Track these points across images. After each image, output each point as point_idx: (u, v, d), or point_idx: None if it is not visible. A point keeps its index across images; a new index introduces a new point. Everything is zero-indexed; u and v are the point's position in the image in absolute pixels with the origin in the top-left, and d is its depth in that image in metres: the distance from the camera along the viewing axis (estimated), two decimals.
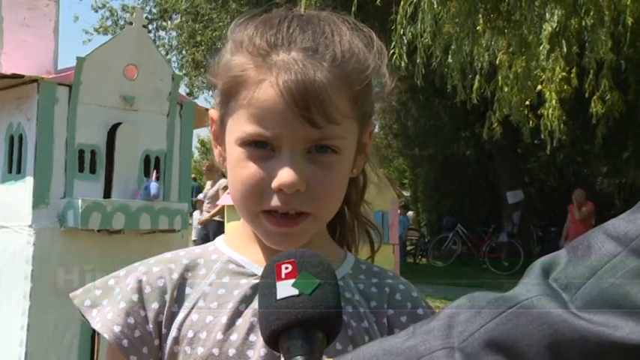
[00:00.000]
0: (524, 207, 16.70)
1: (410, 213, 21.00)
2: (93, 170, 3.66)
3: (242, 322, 1.02)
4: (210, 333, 1.02)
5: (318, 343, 0.81)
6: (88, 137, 3.63)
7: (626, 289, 0.68)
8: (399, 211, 7.96)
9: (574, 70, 8.19)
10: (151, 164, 3.84)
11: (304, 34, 1.00)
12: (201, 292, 1.06)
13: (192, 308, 1.05)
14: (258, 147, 0.99)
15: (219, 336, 1.01)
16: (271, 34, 1.00)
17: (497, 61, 8.30)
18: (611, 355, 0.67)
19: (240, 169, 1.01)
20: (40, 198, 3.50)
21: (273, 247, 1.04)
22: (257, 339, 1.00)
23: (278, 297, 0.82)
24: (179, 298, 1.06)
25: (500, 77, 8.42)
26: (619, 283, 0.68)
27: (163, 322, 1.05)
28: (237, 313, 1.02)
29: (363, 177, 1.17)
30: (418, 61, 8.16)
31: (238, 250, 1.10)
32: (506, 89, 8.27)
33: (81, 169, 3.62)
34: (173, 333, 1.04)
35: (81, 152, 3.61)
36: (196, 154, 37.40)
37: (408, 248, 18.30)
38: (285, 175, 0.97)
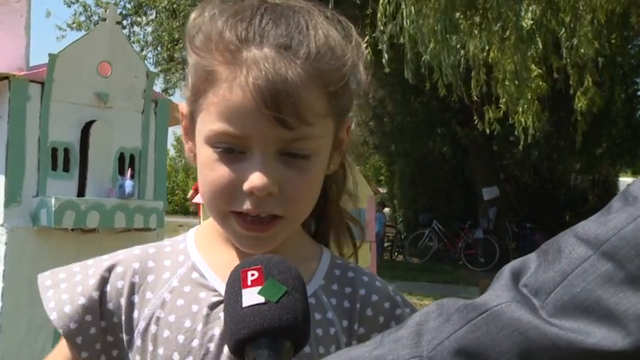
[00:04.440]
0: (499, 203, 16.82)
1: (386, 210, 21.07)
2: (66, 168, 3.61)
3: (197, 345, 0.99)
4: (167, 350, 1.00)
5: (286, 353, 0.79)
6: (62, 135, 3.58)
7: (598, 294, 0.66)
8: (375, 208, 7.96)
9: (553, 66, 8.25)
10: (125, 162, 3.80)
11: (277, 29, 0.95)
12: (161, 299, 1.03)
13: (151, 318, 1.02)
14: (227, 149, 0.95)
15: (176, 356, 0.99)
16: (242, 28, 0.96)
17: (482, 58, 8.33)
18: None
19: (210, 170, 0.97)
20: (12, 197, 3.45)
21: (243, 249, 1.02)
22: None
23: (244, 305, 0.79)
24: (139, 303, 1.04)
25: (488, 73, 8.46)
26: (590, 287, 0.67)
27: (123, 327, 1.03)
28: (192, 334, 0.99)
29: (342, 170, 1.13)
30: (409, 56, 8.16)
31: (207, 250, 1.07)
32: (507, 84, 8.29)
33: (54, 168, 3.57)
34: (137, 342, 1.02)
35: (54, 150, 3.56)
36: (172, 152, 37.24)
37: (385, 245, 18.37)
38: (256, 179, 0.93)
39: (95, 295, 1.04)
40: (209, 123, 0.96)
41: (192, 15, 1.03)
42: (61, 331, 1.04)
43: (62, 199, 3.44)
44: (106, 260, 1.08)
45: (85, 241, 3.62)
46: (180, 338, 0.99)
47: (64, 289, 1.06)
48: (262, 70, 0.92)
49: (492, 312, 0.70)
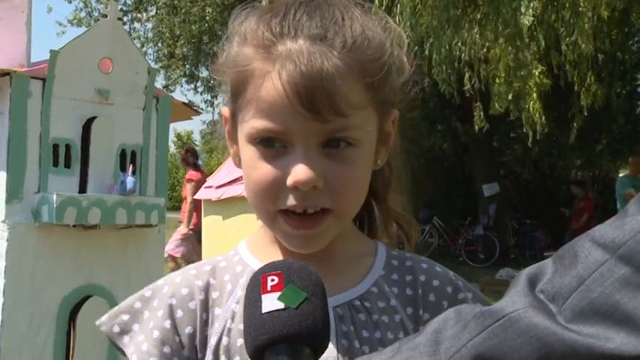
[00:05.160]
0: (499, 200, 16.80)
1: None
2: (68, 165, 3.61)
3: None
4: (243, 356, 0.96)
5: (305, 359, 0.78)
6: (63, 131, 3.57)
7: (616, 298, 0.65)
8: None
9: (553, 63, 8.25)
10: (127, 158, 3.80)
11: (312, 21, 0.94)
12: (230, 311, 1.01)
13: (222, 331, 1.00)
14: (269, 145, 0.94)
15: None
16: (276, 22, 0.95)
17: (481, 54, 8.32)
18: None
19: (253, 169, 0.96)
20: (13, 193, 3.44)
21: (294, 250, 1.00)
22: None
23: (263, 311, 0.78)
24: (210, 320, 1.01)
25: (487, 69, 8.44)
26: (608, 292, 0.66)
27: (198, 347, 1.01)
28: None
29: (388, 168, 1.12)
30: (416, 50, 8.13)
31: (263, 257, 1.04)
32: (498, 81, 8.29)
33: (55, 164, 3.57)
34: (209, 358, 1.00)
35: (55, 146, 3.56)
36: (172, 148, 37.22)
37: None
38: (299, 172, 0.91)
39: (167, 324, 1.01)
40: (249, 121, 0.95)
41: (230, 20, 1.02)
42: None
43: (64, 196, 3.44)
44: (164, 286, 1.06)
45: (87, 238, 3.62)
46: None
47: (139, 330, 1.03)
48: (297, 64, 0.90)
49: (510, 318, 0.70)
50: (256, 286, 0.81)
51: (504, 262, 14.30)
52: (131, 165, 3.77)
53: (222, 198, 5.57)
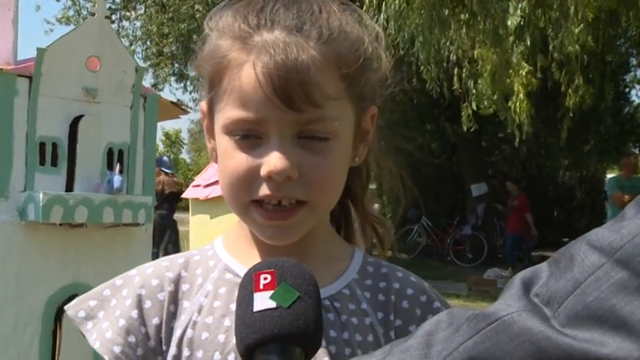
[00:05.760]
0: (488, 200, 16.85)
1: (375, 206, 21.04)
2: (54, 163, 3.59)
3: None
4: (206, 352, 0.97)
5: (296, 359, 0.77)
6: (50, 130, 3.56)
7: (612, 303, 0.64)
8: None
9: (538, 64, 8.28)
10: (114, 157, 3.79)
11: (288, 12, 0.94)
12: (197, 304, 1.00)
13: (188, 324, 0.99)
14: (244, 135, 0.93)
15: (217, 356, 0.96)
16: (253, 15, 0.95)
17: (470, 55, 8.35)
18: None
19: (228, 159, 0.95)
20: None
21: (267, 241, 0.99)
22: None
23: (254, 309, 0.78)
24: (177, 312, 1.01)
25: (475, 69, 8.47)
26: (604, 296, 0.65)
27: (163, 339, 1.00)
28: (233, 331, 0.97)
29: (366, 168, 1.11)
30: (394, 52, 8.13)
31: (236, 253, 1.04)
32: (480, 82, 8.31)
33: (42, 162, 3.55)
34: (172, 350, 0.99)
35: (42, 145, 3.54)
36: (161, 147, 37.12)
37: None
38: (273, 161, 0.91)
39: (134, 314, 1.01)
40: (225, 111, 0.95)
41: (207, 18, 1.02)
42: (106, 357, 1.00)
43: (50, 194, 3.42)
44: (136, 276, 1.05)
45: (73, 236, 3.60)
46: (221, 337, 0.97)
47: (103, 317, 1.03)
48: (272, 54, 0.90)
49: (503, 321, 0.68)
50: (248, 284, 0.80)
51: (492, 262, 14.35)
52: (118, 164, 3.76)
53: (210, 197, 5.56)
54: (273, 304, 0.77)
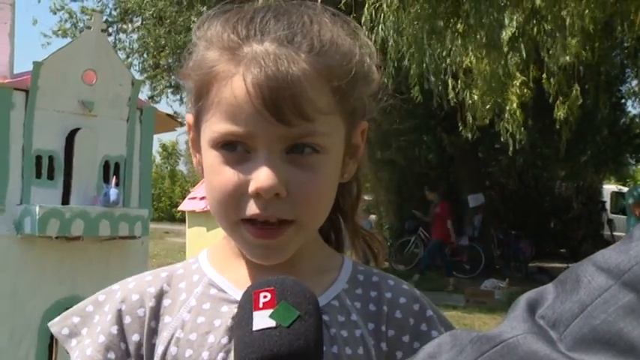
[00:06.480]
0: (485, 210, 16.85)
1: (372, 217, 21.04)
2: (51, 176, 3.59)
3: (222, 359, 0.94)
4: None
5: None
6: (46, 143, 3.56)
7: (620, 326, 0.62)
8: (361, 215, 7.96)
9: (532, 74, 8.30)
10: (110, 170, 3.79)
11: (279, 24, 0.92)
12: (180, 320, 0.98)
13: (170, 340, 0.97)
14: (231, 150, 0.91)
15: None
16: (242, 25, 0.92)
17: (465, 65, 8.37)
18: None
19: (215, 174, 0.92)
20: None
21: (255, 260, 0.97)
22: None
23: (254, 328, 0.75)
24: (157, 329, 0.99)
25: (470, 80, 8.49)
26: (611, 319, 0.63)
27: (145, 356, 0.98)
28: (217, 348, 0.95)
29: (356, 183, 1.08)
30: (392, 65, 8.15)
31: (222, 268, 1.02)
32: (475, 92, 8.33)
33: (38, 176, 3.55)
34: None
35: (38, 158, 3.55)
36: (158, 159, 37.13)
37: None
38: (262, 178, 0.88)
39: (114, 330, 0.99)
40: (212, 124, 0.92)
41: (195, 26, 1.00)
42: None
43: (46, 207, 3.42)
44: (117, 291, 1.03)
45: (70, 249, 3.60)
46: (205, 354, 0.95)
47: (86, 334, 1.01)
48: (262, 66, 0.88)
49: (507, 344, 0.66)
50: (248, 303, 0.78)
51: (489, 273, 14.33)
52: (114, 176, 3.76)
53: (206, 209, 5.56)
54: (272, 323, 0.76)
